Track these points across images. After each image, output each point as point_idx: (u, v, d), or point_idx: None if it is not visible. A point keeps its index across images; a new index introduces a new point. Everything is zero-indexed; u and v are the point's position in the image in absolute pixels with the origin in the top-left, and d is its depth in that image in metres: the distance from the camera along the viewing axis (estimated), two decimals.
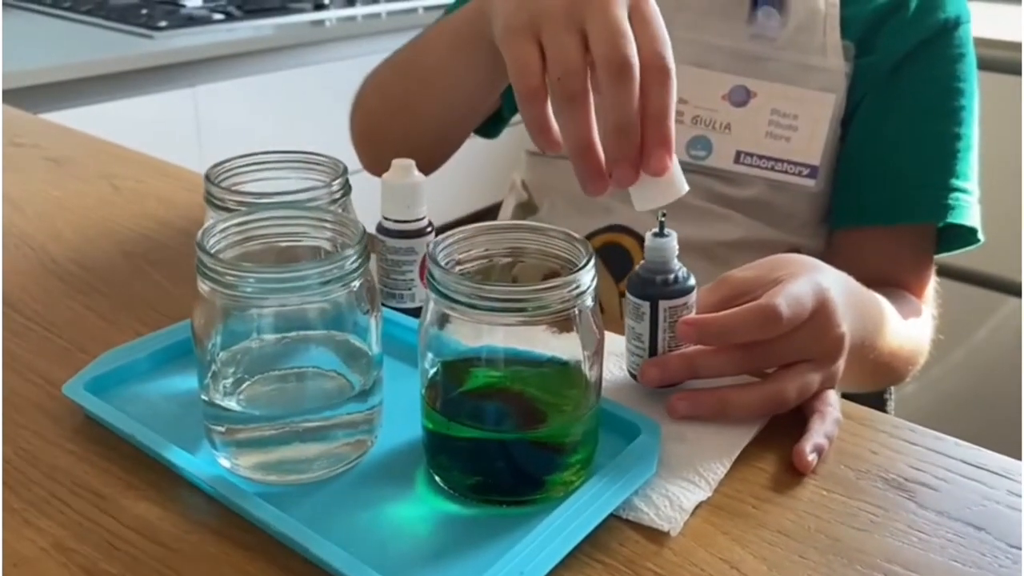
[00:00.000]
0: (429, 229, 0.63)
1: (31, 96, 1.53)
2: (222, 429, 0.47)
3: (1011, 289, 1.89)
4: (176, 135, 1.74)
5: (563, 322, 0.44)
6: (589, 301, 0.45)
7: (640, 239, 0.80)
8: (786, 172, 0.76)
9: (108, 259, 0.74)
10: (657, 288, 0.53)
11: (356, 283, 0.46)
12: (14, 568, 0.42)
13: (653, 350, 0.54)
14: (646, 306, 0.52)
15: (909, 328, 0.73)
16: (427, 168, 0.83)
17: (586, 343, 0.45)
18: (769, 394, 0.52)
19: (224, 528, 0.45)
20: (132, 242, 0.77)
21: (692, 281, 0.53)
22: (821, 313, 0.53)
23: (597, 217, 0.81)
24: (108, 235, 0.78)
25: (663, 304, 0.52)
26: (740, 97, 0.76)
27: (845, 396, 0.58)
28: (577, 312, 0.44)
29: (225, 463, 0.48)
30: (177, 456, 0.48)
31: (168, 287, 0.69)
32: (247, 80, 1.86)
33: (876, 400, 0.87)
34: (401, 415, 0.52)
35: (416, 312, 0.64)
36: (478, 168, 2.46)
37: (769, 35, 0.76)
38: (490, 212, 2.23)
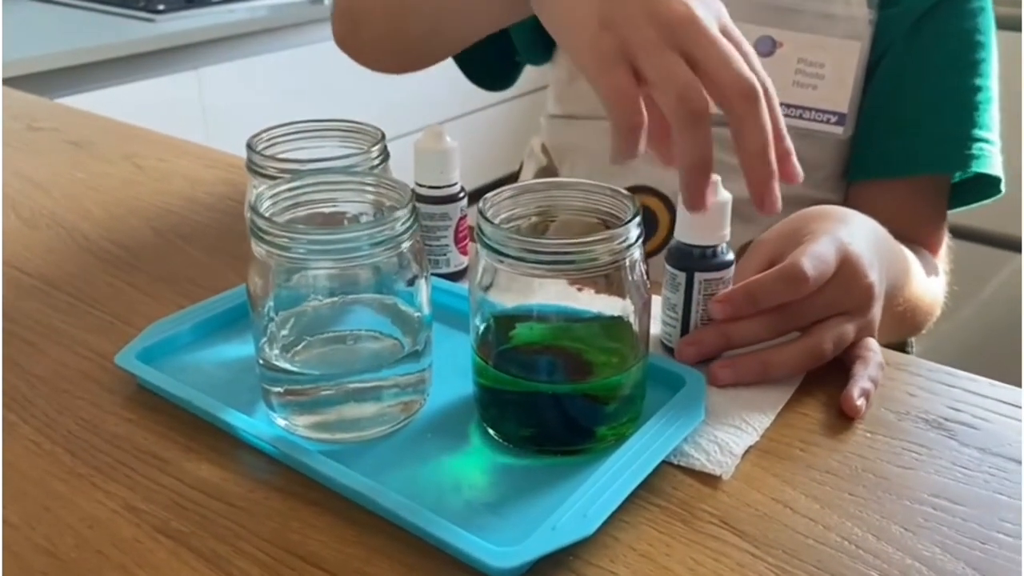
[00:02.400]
0: (462, 195, 0.64)
1: (34, 83, 1.53)
2: (280, 390, 0.48)
3: (1017, 246, 1.90)
4: (181, 118, 1.74)
5: (612, 276, 0.45)
6: (637, 254, 0.46)
7: (665, 199, 0.81)
8: (814, 120, 0.77)
9: (140, 236, 0.74)
10: (694, 260, 0.53)
11: (406, 245, 0.46)
12: (89, 529, 0.43)
13: (686, 322, 0.55)
14: (682, 277, 0.53)
15: (929, 281, 0.74)
16: (414, 67, 0.82)
17: (634, 297, 0.46)
18: (807, 349, 0.53)
19: (287, 485, 0.46)
20: (161, 219, 0.78)
21: (731, 256, 0.54)
22: (847, 266, 0.54)
23: (620, 177, 0.82)
24: (137, 213, 0.79)
25: (699, 276, 0.53)
26: (766, 47, 0.77)
27: None
28: (627, 265, 0.45)
29: (282, 423, 0.49)
30: (236, 418, 0.49)
31: (203, 260, 0.70)
32: (250, 61, 1.86)
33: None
34: (448, 375, 0.53)
35: (451, 277, 0.65)
36: (497, 137, 2.47)
37: None
38: (510, 180, 2.24)
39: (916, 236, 0.80)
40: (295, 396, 0.49)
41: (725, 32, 0.50)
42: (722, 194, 0.52)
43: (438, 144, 0.62)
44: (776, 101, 0.50)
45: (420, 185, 0.63)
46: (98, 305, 0.63)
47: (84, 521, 0.44)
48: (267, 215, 0.46)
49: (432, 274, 0.64)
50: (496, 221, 0.47)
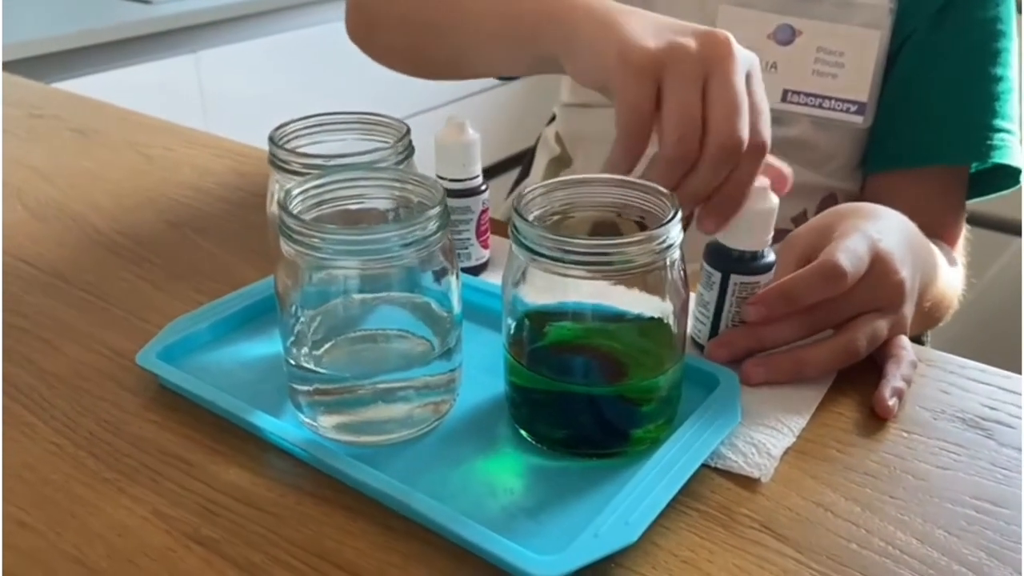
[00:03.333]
0: (484, 187, 0.63)
1: (29, 68, 1.50)
2: (308, 389, 0.47)
3: (1017, 230, 1.90)
4: (180, 102, 1.72)
5: (650, 277, 0.44)
6: (677, 255, 0.44)
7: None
8: (834, 109, 0.76)
9: (153, 228, 0.73)
10: (732, 262, 0.52)
11: (437, 244, 0.45)
12: (119, 538, 0.42)
13: (716, 321, 0.54)
14: (717, 276, 0.52)
15: (949, 274, 0.74)
16: (430, 78, 0.79)
17: (673, 298, 0.45)
18: (841, 346, 0.53)
19: (318, 490, 0.45)
20: (173, 211, 0.76)
21: (771, 258, 0.53)
22: (879, 263, 0.53)
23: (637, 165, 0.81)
24: (148, 204, 0.77)
25: (735, 278, 0.52)
26: (785, 36, 0.76)
27: None
28: (666, 265, 0.44)
29: (310, 423, 0.48)
30: (264, 421, 0.48)
31: (217, 254, 0.69)
32: (250, 44, 1.83)
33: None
34: (476, 374, 0.52)
35: (473, 270, 0.64)
36: (504, 116, 2.44)
37: None
38: (518, 159, 2.22)
39: (934, 227, 0.79)
40: (324, 396, 0.48)
41: (749, 81, 0.50)
42: (770, 200, 0.51)
43: (460, 136, 0.61)
44: (761, 162, 0.50)
45: (441, 178, 0.62)
46: (112, 300, 0.62)
47: (113, 528, 0.43)
48: (296, 213, 0.45)
49: None
50: (530, 218, 0.46)
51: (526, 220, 0.44)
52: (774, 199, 0.51)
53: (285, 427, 0.48)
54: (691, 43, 0.49)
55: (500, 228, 0.67)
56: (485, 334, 0.56)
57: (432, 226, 0.45)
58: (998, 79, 0.76)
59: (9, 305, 0.62)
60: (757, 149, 0.50)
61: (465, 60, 0.69)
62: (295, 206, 0.45)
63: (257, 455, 0.47)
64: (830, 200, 0.81)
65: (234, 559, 0.41)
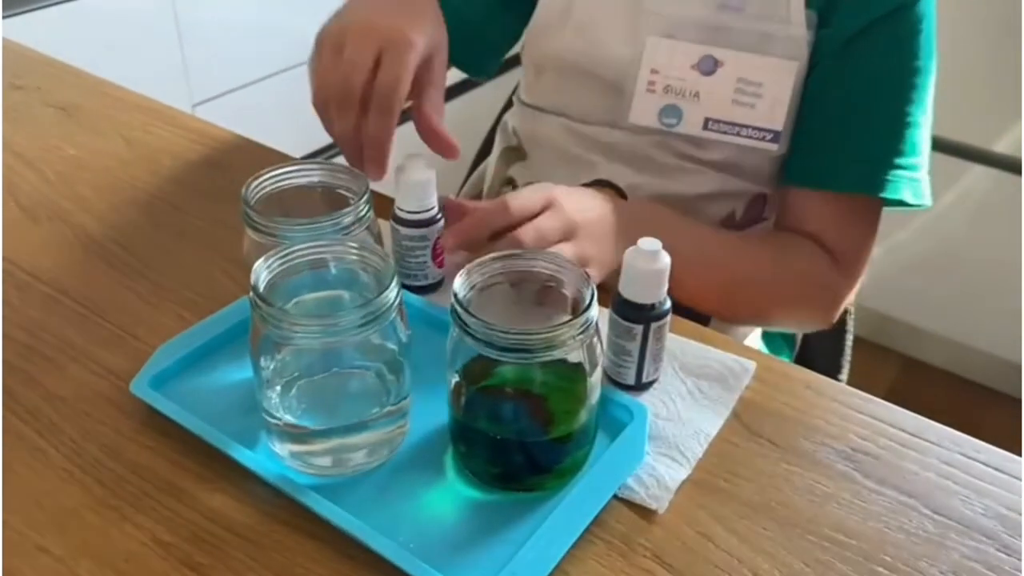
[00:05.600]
0: (439, 217, 0.70)
1: None
2: (278, 423, 0.55)
3: (975, 156, 1.97)
4: (154, 32, 1.72)
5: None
6: (594, 328, 0.52)
7: (620, 193, 0.86)
8: (751, 137, 0.82)
9: (139, 232, 0.79)
10: (648, 313, 0.60)
11: (393, 313, 0.53)
12: (125, 563, 0.51)
13: (641, 362, 0.62)
14: (638, 329, 0.60)
15: (773, 265, 0.82)
16: None
17: (591, 361, 0.53)
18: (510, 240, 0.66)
19: (291, 518, 0.54)
20: (156, 210, 0.82)
21: (668, 304, 0.61)
22: (550, 206, 0.68)
23: (583, 172, 0.87)
24: (132, 203, 0.83)
25: (654, 325, 0.60)
26: (708, 67, 0.81)
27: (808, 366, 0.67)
28: (586, 342, 0.52)
29: (279, 453, 0.56)
30: (242, 454, 0.56)
31: (197, 264, 0.75)
32: None
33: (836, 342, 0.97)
34: (427, 399, 0.60)
35: (428, 288, 0.72)
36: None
37: (734, 5, 0.79)
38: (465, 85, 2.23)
39: (826, 242, 0.83)
40: (292, 432, 0.56)
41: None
42: (660, 261, 0.58)
43: (418, 174, 0.67)
44: (390, 116, 0.67)
45: (401, 210, 0.69)
46: (105, 315, 0.69)
47: (120, 555, 0.52)
48: (263, 287, 0.52)
49: (411, 287, 0.71)
50: (470, 288, 0.53)
51: (464, 307, 0.51)
52: (666, 257, 0.59)
53: (262, 460, 0.56)
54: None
55: None
56: (437, 363, 0.63)
57: (385, 303, 0.52)
58: (902, 115, 0.79)
59: (10, 317, 0.69)
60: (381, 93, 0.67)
61: None
62: (263, 279, 0.53)
63: (239, 482, 0.56)
64: (759, 199, 0.88)
65: None
